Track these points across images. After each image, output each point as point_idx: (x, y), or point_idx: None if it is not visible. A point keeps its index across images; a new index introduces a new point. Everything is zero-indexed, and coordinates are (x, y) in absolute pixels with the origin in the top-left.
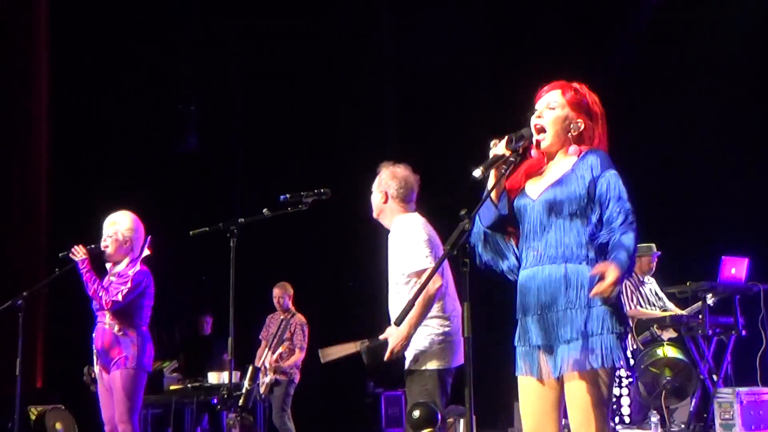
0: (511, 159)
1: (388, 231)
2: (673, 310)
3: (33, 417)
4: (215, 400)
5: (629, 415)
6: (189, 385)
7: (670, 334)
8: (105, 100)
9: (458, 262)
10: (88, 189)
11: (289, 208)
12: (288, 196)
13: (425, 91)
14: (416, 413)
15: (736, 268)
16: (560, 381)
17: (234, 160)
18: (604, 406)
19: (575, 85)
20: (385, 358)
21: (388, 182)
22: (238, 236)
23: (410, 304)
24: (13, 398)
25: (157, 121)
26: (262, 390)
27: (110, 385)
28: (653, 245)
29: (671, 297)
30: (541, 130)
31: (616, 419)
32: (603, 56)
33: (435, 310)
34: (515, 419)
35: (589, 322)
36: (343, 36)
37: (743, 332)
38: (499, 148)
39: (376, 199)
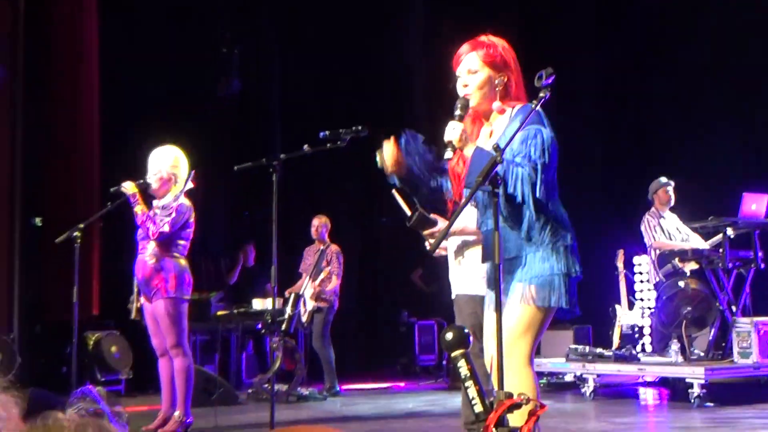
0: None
1: None
2: (696, 241)
3: (90, 342)
4: (259, 326)
5: (651, 344)
6: (235, 311)
7: (691, 266)
8: (154, 46)
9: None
10: (138, 129)
11: (328, 145)
12: (327, 133)
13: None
14: (449, 336)
15: (757, 204)
16: None
17: (274, 100)
18: (529, 334)
19: (485, 40)
20: (424, 231)
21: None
22: (280, 171)
23: (458, 213)
24: (71, 324)
25: (203, 65)
26: (304, 319)
27: (154, 314)
28: (663, 178)
29: (694, 231)
30: (468, 94)
31: (639, 347)
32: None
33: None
34: (541, 348)
35: (528, 266)
36: None
37: (762, 265)
38: (455, 128)
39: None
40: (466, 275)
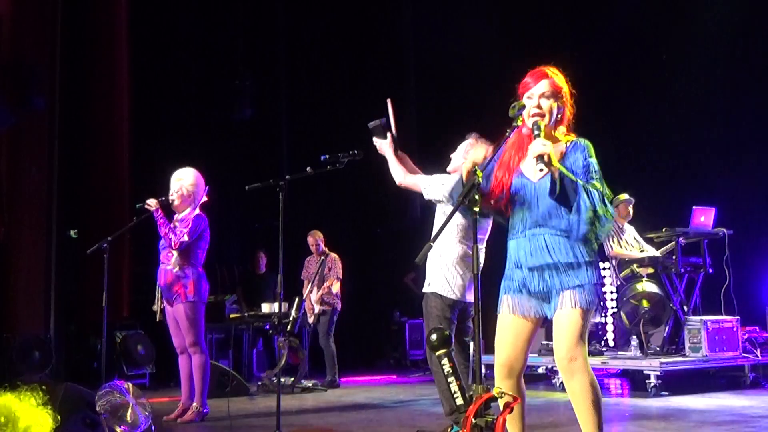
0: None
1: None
2: (651, 251)
3: (118, 341)
4: (268, 326)
5: (613, 340)
6: (246, 314)
7: (648, 271)
8: (176, 78)
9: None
10: (162, 151)
11: (328, 167)
12: (327, 156)
13: (443, 71)
14: (434, 337)
15: (705, 217)
16: (536, 319)
17: (281, 127)
18: (585, 336)
19: (552, 73)
20: (374, 139)
21: (470, 150)
22: (286, 190)
23: (444, 225)
24: (101, 325)
25: (218, 94)
26: (310, 320)
27: (175, 316)
28: (625, 194)
29: (649, 241)
30: (541, 116)
31: (602, 343)
32: (596, 32)
33: (462, 252)
34: None
35: (574, 275)
36: (372, 21)
37: (710, 270)
38: (546, 144)
39: (458, 159)
40: (441, 277)
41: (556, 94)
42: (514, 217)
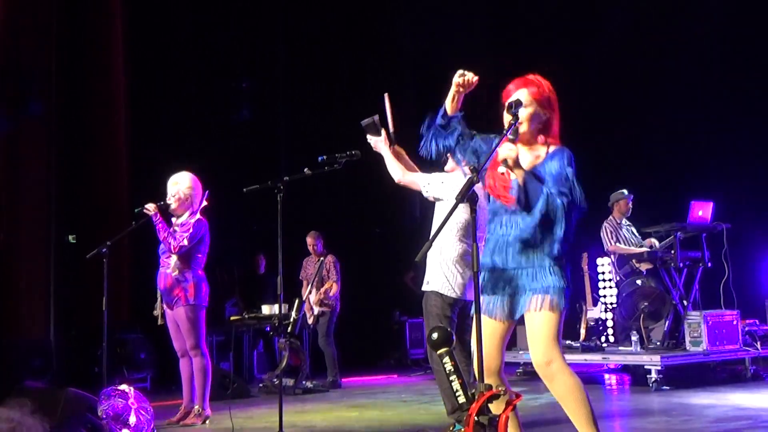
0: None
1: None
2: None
3: (119, 345)
4: (268, 328)
5: (613, 335)
6: (246, 316)
7: (647, 266)
8: (174, 81)
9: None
10: (160, 153)
11: (326, 167)
12: (325, 157)
13: (442, 71)
14: (435, 335)
15: (703, 211)
16: (508, 321)
17: (279, 128)
18: (558, 338)
19: (534, 79)
20: (368, 136)
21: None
22: (284, 191)
23: (441, 227)
24: (102, 329)
25: (217, 95)
26: (310, 321)
27: (175, 320)
28: (624, 190)
29: (647, 235)
30: (519, 124)
31: (603, 338)
32: (595, 28)
33: (462, 250)
34: (518, 340)
35: (543, 278)
36: (371, 21)
37: (709, 264)
38: (512, 149)
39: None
40: (441, 275)
41: (539, 102)
42: (490, 208)
